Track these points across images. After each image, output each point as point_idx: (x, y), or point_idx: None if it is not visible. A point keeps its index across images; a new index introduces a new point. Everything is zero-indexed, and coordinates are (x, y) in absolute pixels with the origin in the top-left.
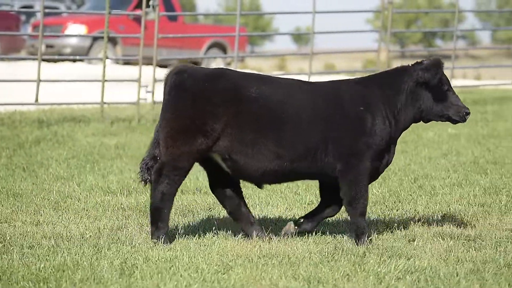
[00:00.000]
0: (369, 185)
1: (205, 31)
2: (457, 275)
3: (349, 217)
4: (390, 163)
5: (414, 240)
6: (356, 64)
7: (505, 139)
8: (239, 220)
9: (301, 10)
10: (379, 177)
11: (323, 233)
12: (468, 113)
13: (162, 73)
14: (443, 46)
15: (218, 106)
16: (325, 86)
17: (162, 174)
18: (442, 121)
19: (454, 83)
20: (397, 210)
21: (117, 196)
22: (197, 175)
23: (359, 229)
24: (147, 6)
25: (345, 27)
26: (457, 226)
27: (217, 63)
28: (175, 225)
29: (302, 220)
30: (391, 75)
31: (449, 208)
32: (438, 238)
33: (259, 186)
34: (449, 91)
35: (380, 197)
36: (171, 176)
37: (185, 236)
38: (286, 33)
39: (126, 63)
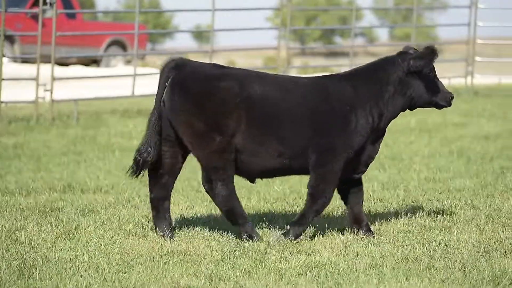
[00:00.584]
0: (338, 181)
1: (104, 28)
2: (356, 270)
3: (304, 206)
4: (375, 155)
5: (314, 236)
6: (257, 61)
7: (403, 134)
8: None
9: (201, 8)
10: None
11: (225, 230)
12: (452, 97)
13: (61, 71)
14: (342, 43)
15: (225, 104)
16: (315, 82)
17: (212, 180)
18: (429, 107)
19: None
20: (297, 207)
21: (15, 196)
22: (98, 174)
23: (303, 221)
24: (45, 3)
25: (245, 24)
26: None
27: (117, 61)
28: (75, 224)
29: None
30: (377, 67)
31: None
32: (338, 233)
33: (252, 181)
34: (435, 78)
35: (281, 193)
36: (219, 177)
37: (85, 235)
38: (186, 31)
39: (24, 61)
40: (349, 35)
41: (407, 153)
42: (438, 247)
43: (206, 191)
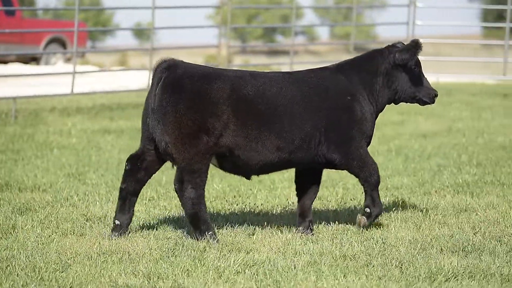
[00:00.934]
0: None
1: (44, 26)
2: (294, 268)
3: (365, 192)
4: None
5: (253, 234)
6: (198, 59)
7: None
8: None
9: (141, 6)
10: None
11: (164, 228)
12: (436, 95)
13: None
14: (283, 42)
15: (217, 104)
16: (308, 75)
17: (184, 181)
18: (412, 102)
19: None
20: (237, 205)
21: None
22: (36, 172)
23: (375, 200)
24: None
25: (186, 22)
26: (295, 220)
27: (56, 59)
28: (12, 223)
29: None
30: (367, 59)
31: (288, 202)
32: (277, 231)
33: (248, 177)
34: (421, 73)
35: (221, 191)
36: (192, 180)
37: (22, 234)
38: (127, 29)
39: None
40: (290, 34)
41: None
42: (376, 244)
43: (175, 190)
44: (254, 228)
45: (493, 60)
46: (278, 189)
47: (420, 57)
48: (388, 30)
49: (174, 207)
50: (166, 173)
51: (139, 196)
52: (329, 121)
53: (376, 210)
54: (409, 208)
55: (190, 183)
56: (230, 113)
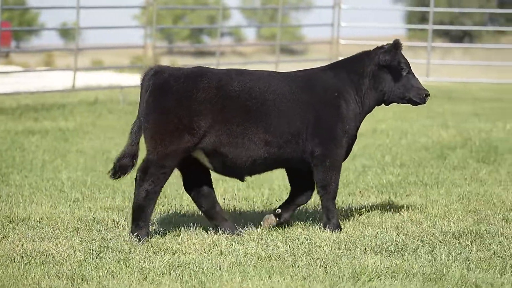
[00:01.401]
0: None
1: None
2: (220, 269)
3: (321, 201)
4: (351, 147)
5: (179, 235)
6: (124, 60)
7: None
8: (213, 219)
9: (66, 5)
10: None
11: (89, 230)
12: (428, 95)
13: None
14: (210, 43)
15: (202, 103)
16: (297, 74)
17: (148, 172)
18: (403, 103)
19: None
20: (163, 206)
21: None
22: None
23: (331, 213)
24: None
25: (113, 22)
26: None
27: None
28: None
29: (279, 211)
30: (355, 60)
31: None
32: (203, 232)
33: (242, 178)
34: (409, 74)
35: None
36: (156, 174)
37: None
38: (52, 28)
39: None
40: (217, 35)
41: None
42: (301, 245)
43: (136, 178)
44: (180, 229)
45: (417, 61)
46: None
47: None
48: (314, 31)
49: (99, 208)
50: (91, 175)
51: (64, 197)
52: (316, 115)
53: (334, 223)
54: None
55: (153, 176)
56: (215, 112)
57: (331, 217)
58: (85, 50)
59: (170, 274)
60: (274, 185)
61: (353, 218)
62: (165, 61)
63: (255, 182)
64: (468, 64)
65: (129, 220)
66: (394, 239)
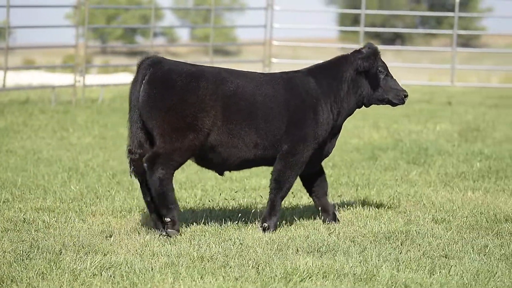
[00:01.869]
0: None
1: None
2: (152, 269)
3: (269, 195)
4: (331, 151)
5: (111, 236)
6: (56, 59)
7: None
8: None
9: None
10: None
11: (19, 231)
12: (406, 96)
13: None
14: (143, 43)
15: (206, 101)
16: (281, 76)
17: (156, 162)
18: (383, 104)
19: None
20: (95, 207)
21: None
22: None
23: (274, 210)
24: None
25: (44, 21)
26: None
27: None
28: None
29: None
30: (334, 65)
31: None
32: (135, 233)
33: (222, 173)
34: (387, 76)
35: (78, 193)
36: (165, 163)
37: None
38: None
39: None
40: (150, 35)
41: None
42: (233, 245)
43: (143, 169)
44: (112, 230)
45: None
46: (137, 190)
47: (277, 60)
48: (247, 32)
49: (29, 209)
50: (22, 175)
51: None
52: (294, 117)
53: (274, 221)
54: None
55: (162, 165)
56: (218, 110)
57: (273, 214)
58: (16, 49)
59: (101, 275)
60: (207, 186)
61: (286, 219)
62: (98, 61)
63: (188, 183)
64: (399, 66)
65: (159, 208)
66: (326, 239)
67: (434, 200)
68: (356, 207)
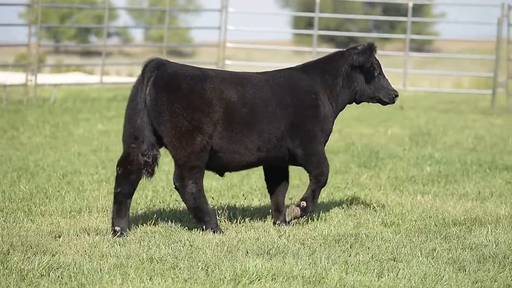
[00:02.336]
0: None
1: None
2: (100, 270)
3: (310, 186)
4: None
5: (60, 237)
6: (8, 58)
7: None
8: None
9: None
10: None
11: None
12: (396, 96)
13: None
14: (97, 43)
15: (210, 104)
16: (278, 75)
17: (184, 177)
18: (373, 102)
19: (106, 79)
20: (44, 206)
21: None
22: None
23: (315, 197)
24: None
25: None
26: (103, 222)
27: None
28: None
29: (304, 204)
30: (330, 60)
31: (97, 204)
32: (84, 234)
33: (222, 175)
34: (380, 75)
35: (28, 193)
36: (192, 176)
37: None
38: None
39: None
40: (104, 35)
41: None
42: (183, 247)
43: (176, 188)
44: (61, 230)
45: None
46: (87, 190)
47: (231, 62)
48: (202, 34)
49: None
50: None
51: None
52: (296, 117)
53: (311, 207)
54: (218, 211)
55: (190, 179)
56: (220, 115)
57: (311, 200)
58: None
59: (49, 275)
60: (158, 187)
61: (236, 221)
62: (51, 60)
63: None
64: None
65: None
66: (276, 242)
67: (384, 203)
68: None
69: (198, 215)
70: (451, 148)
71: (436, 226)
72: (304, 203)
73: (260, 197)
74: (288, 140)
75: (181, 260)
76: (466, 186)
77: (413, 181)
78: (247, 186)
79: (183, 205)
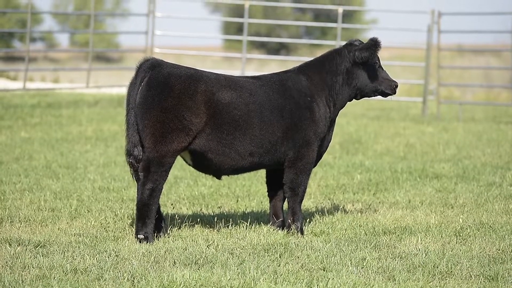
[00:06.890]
0: None
1: None
2: (22, 282)
3: (288, 202)
4: (328, 145)
5: None
6: None
7: (78, 143)
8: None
9: None
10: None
11: None
12: (396, 86)
13: None
14: (20, 48)
15: (200, 105)
16: (273, 79)
17: (150, 171)
18: (375, 96)
19: (29, 85)
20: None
21: None
22: None
23: (296, 215)
24: None
25: None
26: (25, 232)
27: None
28: None
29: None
30: (327, 59)
31: (19, 214)
32: (6, 244)
33: (219, 178)
34: (379, 68)
35: None
36: (158, 172)
37: None
38: None
39: None
40: (29, 39)
41: (82, 162)
42: (108, 257)
43: (136, 179)
44: None
45: (233, 73)
46: (9, 200)
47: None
48: (130, 39)
49: None
50: None
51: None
52: (291, 121)
53: (300, 222)
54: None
55: (156, 175)
56: (209, 116)
57: (296, 219)
58: None
59: None
60: (83, 196)
61: (158, 230)
62: None
63: (63, 192)
64: None
65: (134, 219)
66: (204, 251)
67: (315, 213)
68: (235, 219)
69: (143, 213)
70: (382, 156)
71: (366, 235)
72: (293, 226)
73: (188, 206)
74: (284, 144)
75: (107, 271)
76: (396, 195)
77: (343, 189)
78: (175, 195)
79: (109, 214)
